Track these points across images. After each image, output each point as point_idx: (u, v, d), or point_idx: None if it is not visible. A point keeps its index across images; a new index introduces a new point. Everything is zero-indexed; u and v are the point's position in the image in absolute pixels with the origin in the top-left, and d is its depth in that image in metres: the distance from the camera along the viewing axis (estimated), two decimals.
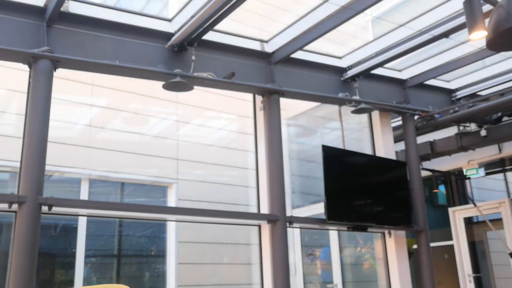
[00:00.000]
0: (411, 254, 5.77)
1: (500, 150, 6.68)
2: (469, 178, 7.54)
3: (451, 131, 6.34)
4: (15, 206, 3.13)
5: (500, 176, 7.81)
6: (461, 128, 6.08)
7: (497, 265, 7.14)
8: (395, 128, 5.75)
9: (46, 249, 4.04)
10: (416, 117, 5.52)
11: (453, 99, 5.93)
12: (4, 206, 3.12)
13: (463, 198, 7.85)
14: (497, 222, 6.88)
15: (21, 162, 3.25)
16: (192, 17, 3.69)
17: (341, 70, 5.02)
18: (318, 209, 5.15)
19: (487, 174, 7.39)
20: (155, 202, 4.73)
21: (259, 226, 4.39)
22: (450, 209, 7.26)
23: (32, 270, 3.03)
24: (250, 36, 4.49)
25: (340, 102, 4.99)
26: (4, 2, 3.41)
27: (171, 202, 4.68)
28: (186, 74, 3.89)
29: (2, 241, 3.85)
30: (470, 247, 7.06)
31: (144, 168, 4.58)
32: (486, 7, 3.62)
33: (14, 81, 3.92)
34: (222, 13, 3.64)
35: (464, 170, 7.17)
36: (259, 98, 4.58)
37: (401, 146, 5.87)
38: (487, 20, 3.26)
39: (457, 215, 7.18)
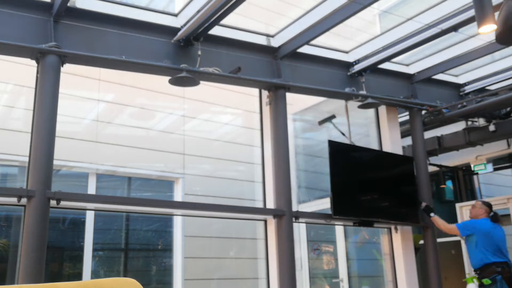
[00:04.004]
0: (418, 249, 5.75)
1: (508, 145, 6.61)
2: (477, 173, 7.48)
3: (459, 126, 6.28)
4: (24, 200, 3.17)
5: (509, 171, 7.74)
6: (469, 123, 6.02)
7: None
8: (402, 123, 5.71)
9: (55, 243, 4.09)
10: (423, 112, 5.47)
11: (461, 93, 5.87)
12: (13, 200, 3.16)
13: (471, 194, 7.79)
14: (506, 218, 6.83)
15: (29, 156, 3.29)
16: (198, 11, 3.68)
17: (348, 65, 4.98)
18: (324, 204, 5.15)
19: (495, 169, 7.32)
20: (162, 197, 4.76)
21: (265, 221, 4.40)
22: (458, 205, 7.21)
23: (41, 263, 3.07)
24: (256, 30, 4.47)
25: (347, 97, 4.96)
26: None
27: (178, 196, 4.70)
28: (192, 69, 3.89)
29: (12, 235, 3.90)
30: None
31: (150, 162, 4.60)
32: (496, 0, 3.56)
33: (22, 77, 3.94)
34: (228, 7, 3.63)
35: (472, 166, 7.11)
36: (265, 93, 4.57)
37: (408, 141, 5.84)
38: (496, 14, 3.21)
39: (465, 211, 7.13)
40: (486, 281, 4.23)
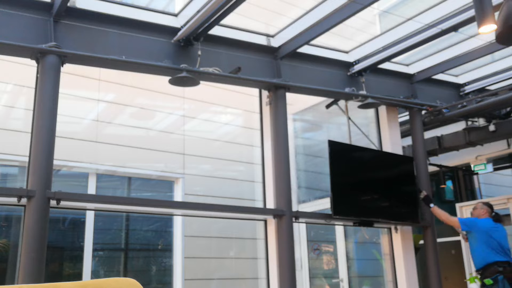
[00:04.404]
0: (418, 249, 5.75)
1: (508, 145, 6.61)
2: (477, 173, 7.48)
3: (459, 126, 6.28)
4: (24, 200, 3.17)
5: (509, 171, 7.74)
6: (469, 123, 6.02)
7: None
8: (402, 123, 5.71)
9: (55, 243, 4.09)
10: (423, 112, 5.47)
11: (461, 93, 5.87)
12: (14, 200, 3.16)
13: (471, 194, 7.79)
14: (506, 218, 6.83)
15: (29, 156, 3.29)
16: (198, 11, 3.68)
17: (348, 65, 4.98)
18: (324, 204, 5.15)
19: (495, 169, 7.32)
20: (162, 197, 4.76)
21: (265, 221, 4.40)
22: (458, 205, 7.21)
23: (41, 263, 3.07)
24: (256, 30, 4.47)
25: (347, 97, 4.96)
26: None
27: (178, 196, 4.70)
28: (192, 69, 3.89)
29: (12, 235, 3.90)
30: None
31: (150, 162, 4.60)
32: (496, 0, 3.56)
33: (22, 76, 3.95)
34: (228, 7, 3.63)
35: (472, 166, 7.11)
36: (265, 93, 4.57)
37: (408, 141, 5.83)
38: (496, 14, 3.21)
39: (465, 211, 7.14)
40: (488, 281, 4.23)
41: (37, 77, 3.43)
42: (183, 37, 3.93)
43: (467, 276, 6.63)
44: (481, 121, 6.04)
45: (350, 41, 4.98)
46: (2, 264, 3.81)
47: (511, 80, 5.55)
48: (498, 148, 6.68)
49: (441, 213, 4.65)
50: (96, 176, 4.30)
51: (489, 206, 4.59)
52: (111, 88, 4.51)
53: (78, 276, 4.06)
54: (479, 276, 4.37)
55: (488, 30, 3.20)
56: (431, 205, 4.75)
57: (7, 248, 3.82)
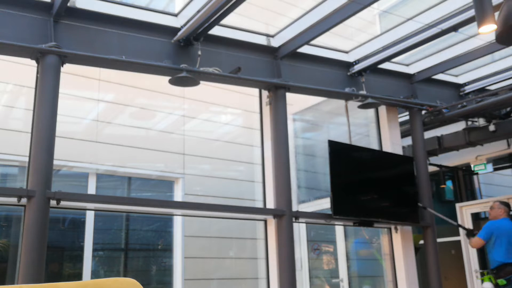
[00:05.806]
0: (418, 249, 5.75)
1: (508, 145, 6.61)
2: (477, 173, 7.48)
3: (459, 126, 6.28)
4: (24, 200, 3.17)
5: (509, 171, 7.73)
6: (469, 123, 6.02)
7: None
8: (402, 123, 5.71)
9: (55, 243, 4.09)
10: (423, 112, 5.47)
11: (461, 93, 5.87)
12: (14, 200, 3.16)
13: (471, 194, 7.79)
14: None
15: (29, 156, 3.29)
16: (198, 11, 3.68)
17: (348, 65, 4.98)
18: (324, 204, 5.15)
19: (495, 169, 7.32)
20: (162, 197, 4.76)
21: (265, 221, 4.40)
22: (458, 205, 7.21)
23: (41, 263, 3.07)
24: (256, 30, 4.47)
25: (347, 97, 4.96)
26: None
27: (178, 196, 4.70)
28: (192, 69, 3.89)
29: (12, 235, 3.90)
30: None
31: (150, 162, 4.60)
32: (496, 0, 3.56)
33: (22, 77, 3.95)
34: (228, 7, 3.63)
35: (472, 166, 7.11)
36: (265, 93, 4.57)
37: (408, 141, 5.83)
38: (496, 14, 3.22)
39: (465, 211, 7.13)
40: (501, 281, 4.27)
41: (37, 77, 3.43)
42: (183, 37, 3.93)
43: (467, 276, 6.63)
44: (481, 121, 6.03)
45: (350, 41, 4.98)
46: (2, 264, 3.81)
47: (511, 80, 5.55)
48: (498, 148, 6.68)
49: (471, 243, 4.82)
50: (96, 176, 4.30)
51: (507, 205, 4.66)
52: (111, 88, 4.51)
53: (78, 276, 4.05)
54: (493, 276, 4.42)
55: (488, 30, 3.20)
56: (471, 238, 4.90)
57: (7, 248, 3.82)
